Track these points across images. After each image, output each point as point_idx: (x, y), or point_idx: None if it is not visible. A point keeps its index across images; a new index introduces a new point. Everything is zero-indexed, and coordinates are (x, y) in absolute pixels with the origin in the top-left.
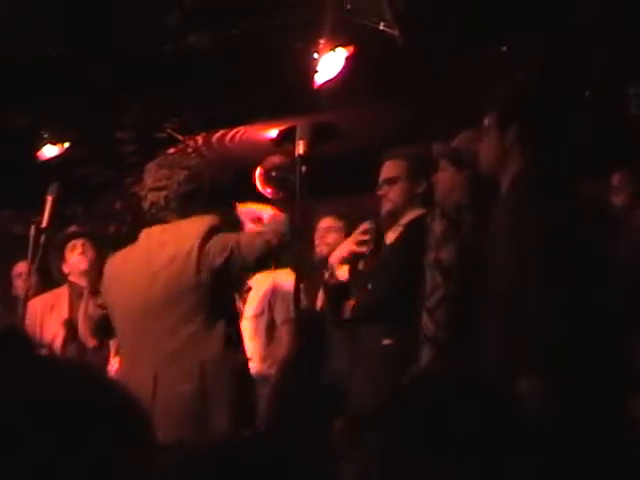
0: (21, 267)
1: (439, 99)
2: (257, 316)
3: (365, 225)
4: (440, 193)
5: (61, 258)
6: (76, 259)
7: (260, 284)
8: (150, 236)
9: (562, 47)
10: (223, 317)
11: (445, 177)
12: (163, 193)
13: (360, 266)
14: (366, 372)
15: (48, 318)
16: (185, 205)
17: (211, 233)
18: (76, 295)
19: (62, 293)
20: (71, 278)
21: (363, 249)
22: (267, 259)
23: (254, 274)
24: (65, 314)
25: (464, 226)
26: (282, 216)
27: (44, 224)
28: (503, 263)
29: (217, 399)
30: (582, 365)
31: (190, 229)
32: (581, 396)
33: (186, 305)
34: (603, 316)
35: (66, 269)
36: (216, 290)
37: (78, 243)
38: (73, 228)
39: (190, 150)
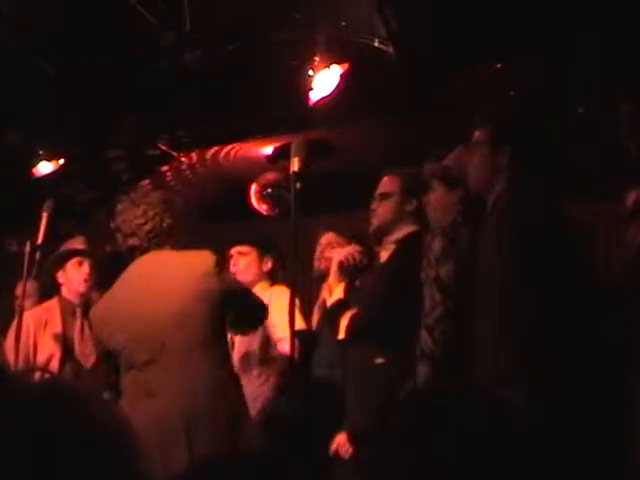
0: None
1: (433, 117)
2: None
3: (354, 247)
4: (432, 213)
5: (61, 266)
6: (78, 278)
7: None
8: (145, 265)
9: (556, 65)
10: (221, 347)
11: (437, 197)
12: (144, 227)
13: (357, 284)
14: (359, 390)
15: (42, 335)
16: (153, 239)
17: (216, 268)
18: (68, 312)
19: (53, 308)
20: (64, 292)
21: (350, 261)
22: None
23: (252, 287)
24: (58, 328)
25: (461, 244)
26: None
27: (39, 241)
28: (488, 281)
29: (207, 422)
30: (566, 374)
31: (194, 261)
32: (567, 403)
33: (188, 331)
34: (588, 330)
35: (61, 279)
36: (215, 321)
37: (86, 263)
38: (80, 245)
39: (184, 167)
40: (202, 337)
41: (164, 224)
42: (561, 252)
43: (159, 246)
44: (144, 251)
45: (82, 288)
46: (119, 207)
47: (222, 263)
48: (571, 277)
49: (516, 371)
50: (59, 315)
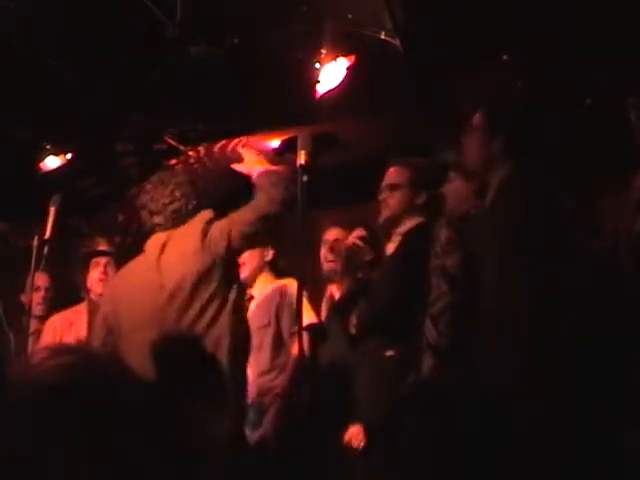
0: (40, 280)
1: (439, 109)
2: (263, 327)
3: (357, 232)
4: (449, 204)
5: (85, 273)
6: (96, 277)
7: (263, 293)
8: (153, 244)
9: (563, 56)
10: (234, 292)
11: (453, 188)
12: (170, 207)
13: (360, 276)
14: (371, 383)
15: (67, 335)
16: (177, 219)
17: (208, 225)
18: (94, 313)
19: (81, 310)
20: (91, 295)
21: (356, 254)
22: (265, 227)
23: (254, 280)
24: (84, 331)
25: (468, 235)
26: (276, 177)
27: (47, 235)
28: (489, 275)
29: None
30: (572, 370)
31: (189, 228)
32: (575, 403)
33: (202, 297)
34: (593, 323)
35: (88, 283)
36: (227, 273)
37: (101, 262)
38: (101, 246)
39: (192, 160)
40: (204, 315)
41: (189, 205)
42: (568, 241)
43: (171, 226)
44: (166, 230)
45: (99, 288)
46: (147, 186)
47: (212, 217)
48: (578, 266)
49: (521, 366)
50: (86, 316)
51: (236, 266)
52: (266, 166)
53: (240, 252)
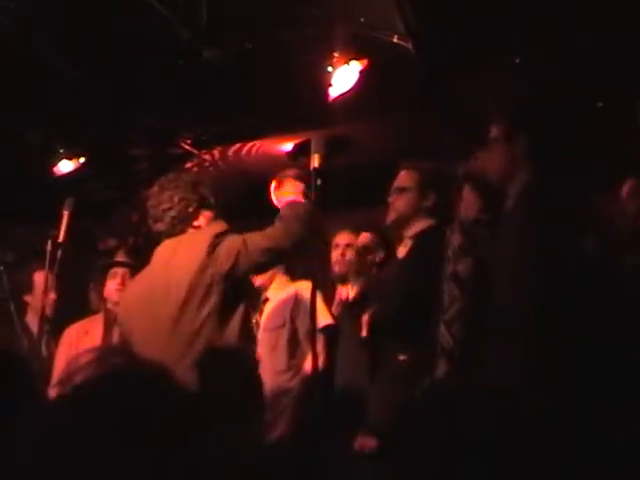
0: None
1: (451, 113)
2: (278, 328)
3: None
4: (461, 210)
5: (102, 284)
6: (114, 287)
7: (279, 295)
8: (161, 252)
9: (574, 58)
10: (237, 317)
11: (465, 196)
12: (169, 213)
13: (373, 277)
14: (383, 387)
15: (82, 343)
16: (190, 221)
17: (217, 240)
18: (111, 322)
19: (98, 319)
20: (108, 305)
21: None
22: (275, 259)
23: (270, 283)
24: (99, 339)
25: (480, 241)
26: (298, 209)
27: (61, 239)
28: (505, 279)
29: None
30: (586, 378)
31: (198, 239)
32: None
33: (202, 312)
34: (605, 332)
35: (105, 293)
36: (228, 293)
37: (119, 272)
38: (119, 257)
39: (206, 164)
40: (204, 330)
41: (190, 209)
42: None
43: (184, 231)
44: (169, 236)
45: (115, 297)
46: (151, 191)
47: (225, 231)
48: (583, 268)
49: (533, 373)
50: (102, 325)
51: (244, 285)
52: (295, 197)
53: (246, 274)
